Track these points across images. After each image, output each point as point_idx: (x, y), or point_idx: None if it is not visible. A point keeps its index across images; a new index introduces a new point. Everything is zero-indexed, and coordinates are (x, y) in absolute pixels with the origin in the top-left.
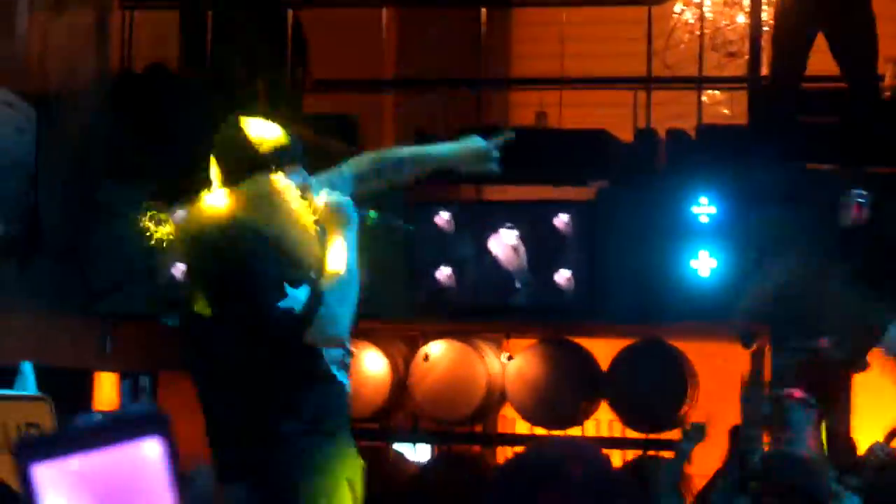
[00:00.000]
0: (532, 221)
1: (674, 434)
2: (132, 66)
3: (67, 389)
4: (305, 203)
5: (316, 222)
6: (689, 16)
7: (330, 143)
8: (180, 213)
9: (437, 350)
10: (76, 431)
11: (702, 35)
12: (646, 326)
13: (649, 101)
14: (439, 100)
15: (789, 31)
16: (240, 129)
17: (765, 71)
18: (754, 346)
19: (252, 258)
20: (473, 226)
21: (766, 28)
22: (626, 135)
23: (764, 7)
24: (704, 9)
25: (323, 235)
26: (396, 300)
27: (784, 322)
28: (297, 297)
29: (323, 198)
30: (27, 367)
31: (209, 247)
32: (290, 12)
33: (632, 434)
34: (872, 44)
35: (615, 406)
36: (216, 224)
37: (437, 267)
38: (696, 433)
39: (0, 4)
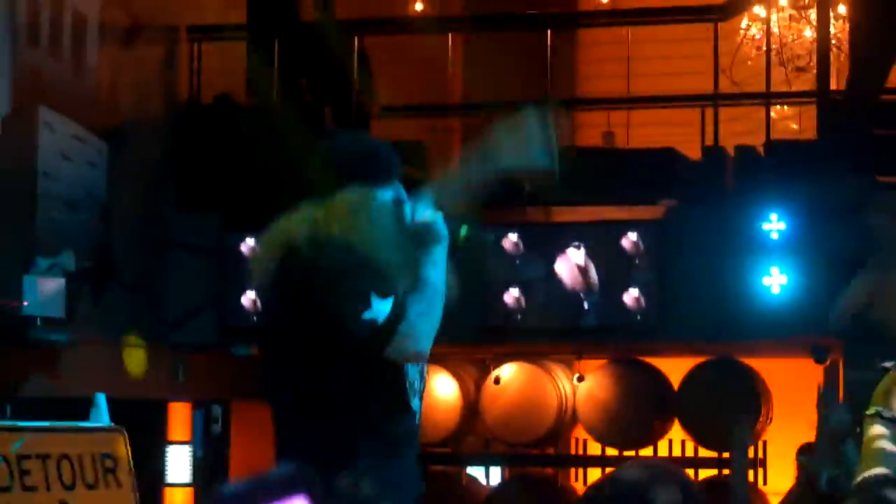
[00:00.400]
0: (600, 241)
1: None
2: (200, 98)
3: (141, 420)
4: (398, 218)
5: (408, 238)
6: (756, 31)
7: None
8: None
9: (508, 372)
10: (231, 496)
11: (768, 50)
12: (717, 344)
13: (717, 119)
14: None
15: (866, 44)
16: (337, 141)
17: (834, 85)
18: (828, 362)
19: (340, 272)
20: (542, 247)
21: (833, 42)
22: (694, 153)
23: (832, 21)
24: (771, 24)
25: (414, 252)
26: (466, 323)
27: (858, 338)
28: (382, 309)
29: (415, 213)
30: (101, 399)
31: (298, 259)
32: (355, 39)
33: (705, 453)
34: None
35: (687, 425)
36: (306, 236)
37: (506, 289)
38: (739, 438)
39: (71, 39)
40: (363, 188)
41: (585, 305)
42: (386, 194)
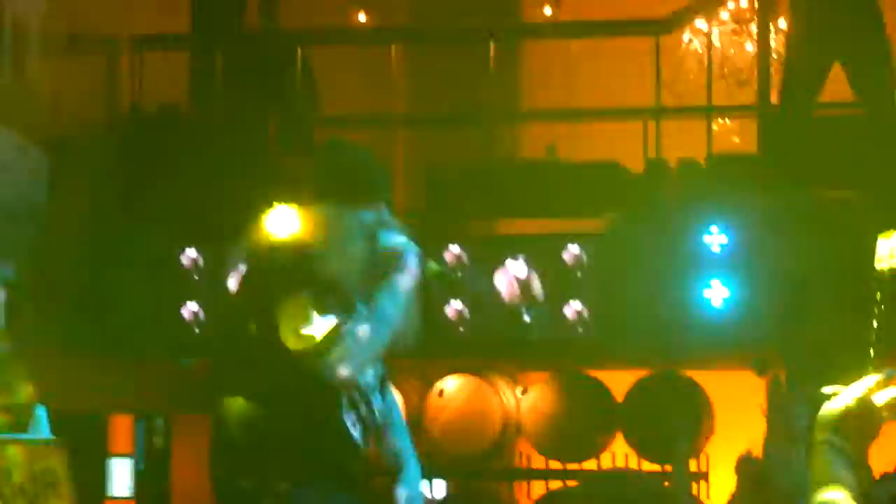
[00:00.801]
0: (543, 254)
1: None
2: (143, 108)
3: (82, 433)
4: (369, 240)
5: (375, 262)
6: (698, 45)
7: None
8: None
9: (452, 385)
10: None
11: (710, 64)
12: (660, 357)
13: (659, 132)
14: (450, 135)
15: (801, 59)
16: (330, 153)
17: (774, 98)
18: (769, 374)
19: (287, 282)
20: (485, 260)
21: (774, 56)
22: (636, 165)
23: (772, 35)
24: (713, 38)
25: (376, 276)
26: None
27: (797, 353)
28: (320, 327)
29: (387, 239)
30: (41, 411)
31: (274, 266)
32: (298, 50)
33: (648, 466)
34: (890, 71)
35: (630, 438)
36: (285, 245)
37: (448, 302)
38: (680, 451)
39: (11, 48)
40: (343, 205)
41: (527, 318)
42: (365, 215)
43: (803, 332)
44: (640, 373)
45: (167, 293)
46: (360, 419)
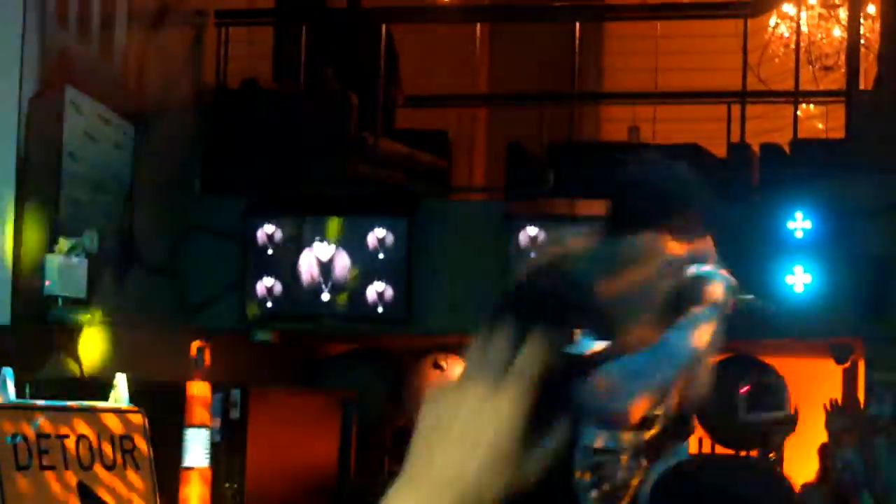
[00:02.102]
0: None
1: None
2: (227, 83)
3: (160, 402)
4: (669, 275)
5: (677, 293)
6: (785, 29)
7: (423, 158)
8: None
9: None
10: None
11: (797, 48)
12: (738, 342)
13: (744, 116)
14: (532, 114)
15: (894, 46)
16: (648, 174)
17: (862, 85)
18: (848, 363)
19: (561, 300)
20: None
21: (862, 42)
22: (719, 150)
23: (861, 20)
24: (800, 22)
25: (677, 308)
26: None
27: (880, 339)
28: (586, 344)
29: (694, 270)
30: (121, 380)
31: (539, 276)
32: (382, 27)
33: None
34: None
35: (705, 423)
36: (573, 263)
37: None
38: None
39: (100, 21)
40: (655, 237)
41: None
42: (678, 249)
43: (886, 321)
44: (718, 357)
45: (244, 266)
46: (605, 481)
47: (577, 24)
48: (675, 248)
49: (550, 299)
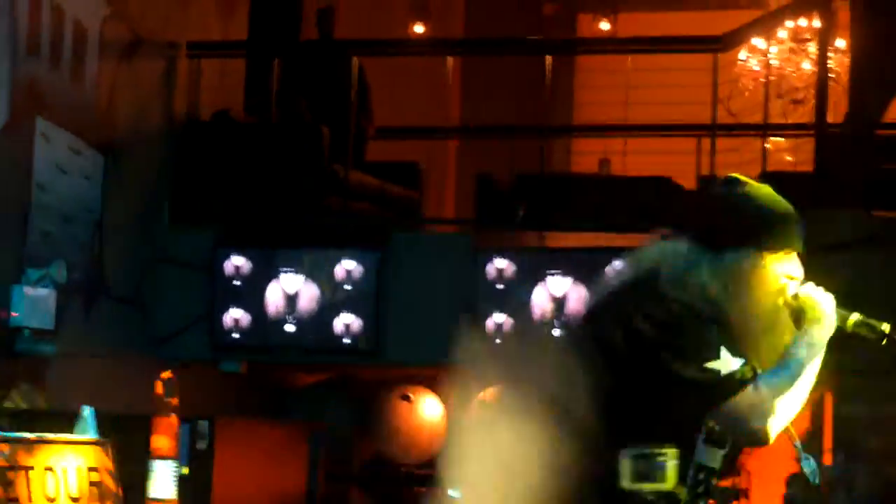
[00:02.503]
0: (587, 267)
1: None
2: (198, 115)
3: (126, 434)
4: (779, 291)
5: (790, 309)
6: (754, 63)
7: (393, 189)
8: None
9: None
10: None
11: (767, 82)
12: None
13: (713, 148)
14: (502, 147)
15: (866, 78)
16: (745, 190)
17: (830, 118)
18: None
19: (693, 316)
20: (532, 273)
21: (831, 75)
22: (689, 182)
23: (830, 55)
24: (769, 56)
25: (791, 330)
26: (454, 345)
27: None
28: (730, 363)
29: (799, 289)
30: (88, 412)
31: (651, 287)
32: (354, 59)
33: None
34: None
35: None
36: (673, 274)
37: (491, 314)
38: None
39: (71, 51)
40: (756, 255)
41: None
42: (778, 266)
43: (852, 353)
44: None
45: (217, 298)
46: (704, 499)
47: (549, 58)
48: (777, 265)
49: (686, 313)
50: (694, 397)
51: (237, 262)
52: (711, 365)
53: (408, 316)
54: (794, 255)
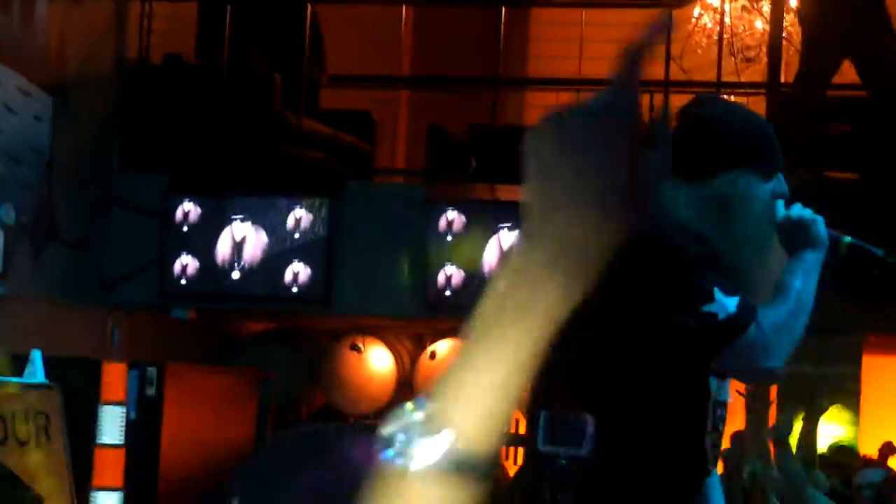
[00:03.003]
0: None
1: None
2: (149, 58)
3: (75, 378)
4: (771, 217)
5: (777, 239)
6: (708, 20)
7: (346, 139)
8: None
9: (444, 348)
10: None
11: (721, 40)
12: None
13: (667, 105)
14: (455, 98)
15: (817, 43)
16: (715, 111)
17: (783, 78)
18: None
19: (680, 267)
20: (485, 224)
21: (784, 35)
22: None
23: (783, 14)
24: (724, 14)
25: (782, 254)
26: (406, 299)
27: None
28: (726, 304)
29: (792, 211)
30: (37, 356)
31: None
32: (308, 7)
33: None
34: None
35: None
36: (670, 211)
37: (445, 266)
38: None
39: None
40: (745, 176)
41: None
42: (767, 187)
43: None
44: None
45: (167, 244)
46: (720, 435)
47: (503, 9)
48: (765, 185)
49: (677, 256)
50: (694, 346)
51: (187, 208)
52: (709, 309)
53: (358, 266)
54: (780, 173)
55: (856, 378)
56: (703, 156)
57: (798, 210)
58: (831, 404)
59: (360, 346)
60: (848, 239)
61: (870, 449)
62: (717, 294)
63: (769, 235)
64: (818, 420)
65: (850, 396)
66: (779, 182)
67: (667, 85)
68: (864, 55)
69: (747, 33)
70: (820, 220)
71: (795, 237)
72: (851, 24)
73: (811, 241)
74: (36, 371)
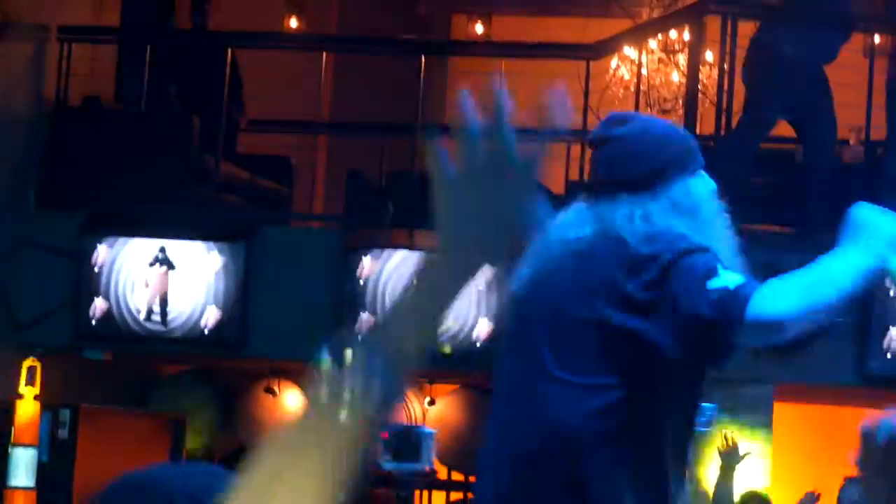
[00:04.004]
0: None
1: None
2: (67, 99)
3: None
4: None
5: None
6: (625, 72)
7: (264, 183)
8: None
9: None
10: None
11: (638, 91)
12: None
13: (583, 155)
14: (374, 144)
15: (757, 100)
16: (644, 126)
17: (698, 129)
18: None
19: (678, 252)
20: (403, 270)
21: (699, 87)
22: (557, 187)
23: (700, 67)
24: (641, 65)
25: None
26: (321, 343)
27: None
28: (733, 278)
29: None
30: None
31: (622, 248)
32: (228, 50)
33: None
34: (833, 129)
35: None
36: (632, 231)
37: (360, 312)
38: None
39: None
40: (692, 180)
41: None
42: (709, 185)
43: None
44: None
45: (77, 285)
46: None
47: (423, 57)
48: (704, 180)
49: (670, 257)
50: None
51: (102, 250)
52: (717, 284)
53: (273, 310)
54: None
55: (767, 426)
56: (652, 169)
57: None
58: (746, 453)
59: (276, 389)
60: None
61: (780, 498)
62: (720, 270)
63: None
64: (735, 468)
65: (762, 445)
66: (707, 178)
67: (584, 135)
68: (802, 117)
69: (663, 85)
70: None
71: (858, 233)
72: (794, 85)
73: (873, 246)
74: None
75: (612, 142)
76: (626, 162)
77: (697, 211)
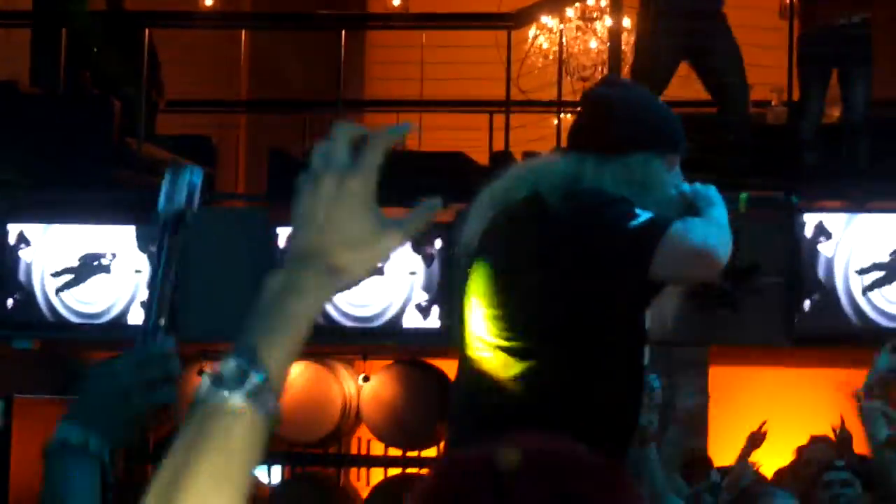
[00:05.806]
0: None
1: None
2: None
3: None
4: (671, 202)
5: (678, 210)
6: (544, 41)
7: (184, 163)
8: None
9: (293, 371)
10: None
11: (560, 60)
12: None
13: (507, 125)
14: (296, 121)
15: (651, 59)
16: (629, 94)
17: None
18: None
19: (602, 203)
20: None
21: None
22: (482, 158)
23: (620, 33)
24: (557, 33)
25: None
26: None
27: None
28: (647, 214)
29: (686, 188)
30: None
31: (546, 208)
32: (145, 31)
33: None
34: (740, 71)
35: None
36: (557, 187)
37: None
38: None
39: None
40: (654, 160)
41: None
42: (672, 176)
43: None
44: None
45: (5, 272)
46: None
47: (343, 32)
48: (672, 168)
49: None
50: (633, 258)
51: (23, 236)
52: (634, 223)
53: (202, 291)
54: (675, 163)
55: (703, 388)
56: (613, 137)
57: (693, 186)
58: (687, 412)
59: (208, 371)
60: (744, 196)
61: (719, 458)
62: (638, 210)
63: (671, 206)
64: (681, 425)
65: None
66: (674, 163)
67: (508, 105)
68: (706, 62)
69: (582, 53)
70: (712, 187)
71: (695, 206)
72: (692, 30)
73: (712, 203)
74: None
75: (599, 100)
76: (606, 122)
77: (650, 188)
